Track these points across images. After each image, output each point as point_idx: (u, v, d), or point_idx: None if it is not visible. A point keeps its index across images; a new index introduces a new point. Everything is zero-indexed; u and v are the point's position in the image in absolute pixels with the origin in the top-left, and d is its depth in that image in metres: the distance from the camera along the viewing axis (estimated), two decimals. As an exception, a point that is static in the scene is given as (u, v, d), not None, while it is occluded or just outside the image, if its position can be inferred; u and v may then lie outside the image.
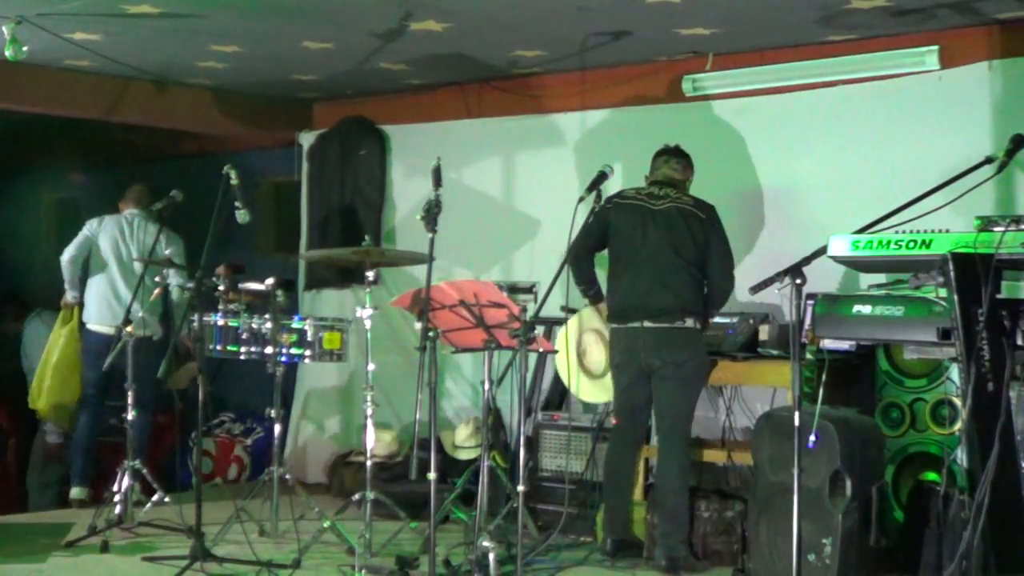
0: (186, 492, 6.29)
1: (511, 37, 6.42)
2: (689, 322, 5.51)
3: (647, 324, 5.53)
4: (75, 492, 7.12)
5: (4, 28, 5.92)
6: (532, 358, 6.66)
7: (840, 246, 5.03)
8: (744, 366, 5.91)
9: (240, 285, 6.18)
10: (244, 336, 6.14)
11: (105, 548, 5.78)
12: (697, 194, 6.43)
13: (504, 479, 5.83)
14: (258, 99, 8.28)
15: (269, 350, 6.02)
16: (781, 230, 6.29)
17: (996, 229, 4.54)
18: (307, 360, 6.28)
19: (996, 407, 4.38)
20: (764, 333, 5.82)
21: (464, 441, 6.97)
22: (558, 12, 5.83)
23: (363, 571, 5.19)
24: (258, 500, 6.20)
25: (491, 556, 4.91)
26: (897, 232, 4.88)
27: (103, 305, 7.09)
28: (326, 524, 5.69)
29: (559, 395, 6.75)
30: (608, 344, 5.76)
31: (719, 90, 6.67)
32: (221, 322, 6.18)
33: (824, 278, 5.57)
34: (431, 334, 4.85)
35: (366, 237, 6.12)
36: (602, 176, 5.69)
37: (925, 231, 4.80)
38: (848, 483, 4.71)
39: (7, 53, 6.00)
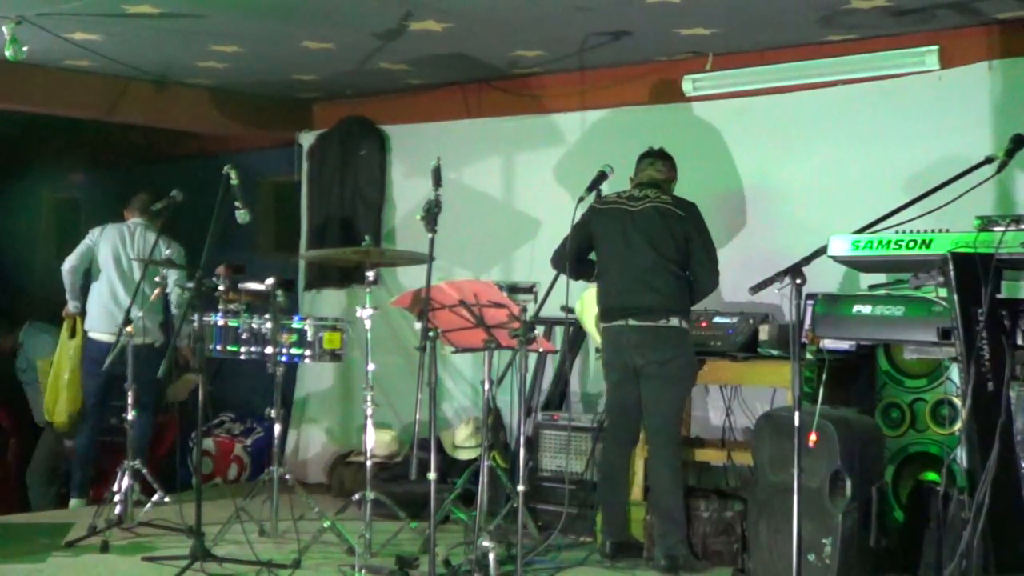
0: (186, 492, 6.29)
1: (511, 37, 6.42)
2: (674, 321, 5.51)
3: (631, 323, 5.55)
4: (74, 504, 7.14)
5: (4, 28, 5.92)
6: (532, 358, 6.66)
7: (840, 246, 5.03)
8: (744, 366, 5.91)
9: (240, 285, 6.19)
10: (244, 336, 6.14)
11: (105, 548, 5.78)
12: (697, 194, 6.42)
13: (504, 479, 5.83)
14: (258, 99, 8.28)
15: (269, 350, 6.02)
16: (781, 230, 6.29)
17: (996, 229, 4.54)
18: (307, 360, 6.28)
19: (996, 407, 4.38)
20: (764, 333, 5.82)
21: (464, 441, 6.97)
22: (558, 12, 5.83)
23: (363, 571, 5.19)
24: (258, 500, 6.20)
25: (491, 556, 4.91)
26: (897, 232, 4.88)
27: (104, 312, 7.09)
28: (326, 524, 5.69)
29: (559, 395, 6.76)
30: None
31: (719, 90, 6.67)
32: (221, 322, 6.18)
33: (824, 278, 5.58)
34: (431, 334, 4.85)
35: (366, 237, 6.12)
36: (602, 176, 5.69)
37: (925, 231, 4.80)
38: (848, 483, 4.71)
39: (7, 53, 6.00)
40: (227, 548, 5.59)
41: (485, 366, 5.29)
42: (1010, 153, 4.73)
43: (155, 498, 6.31)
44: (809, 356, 5.32)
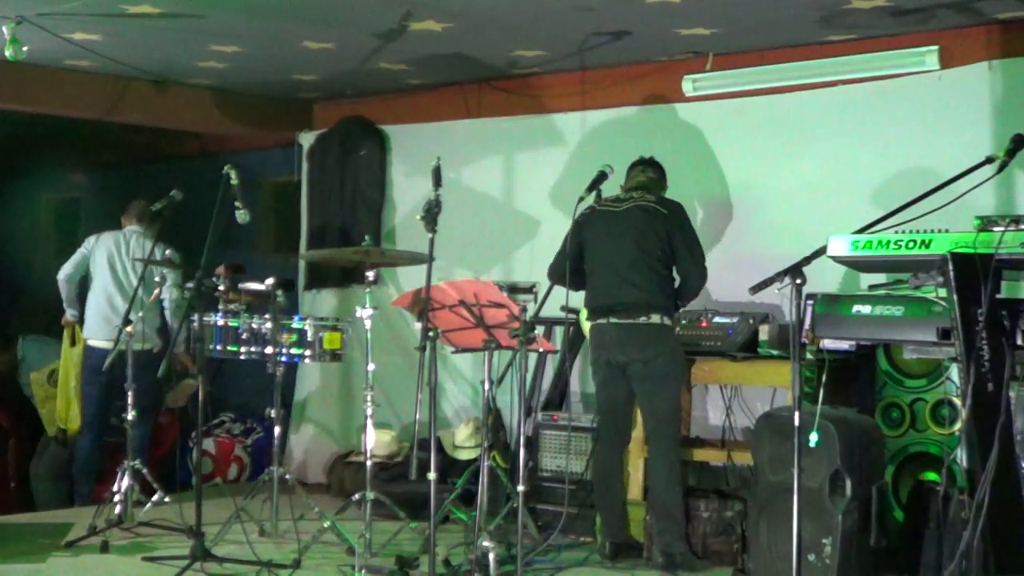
0: (186, 492, 6.29)
1: (511, 37, 6.42)
2: (655, 318, 5.51)
3: (612, 320, 5.57)
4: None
5: (4, 28, 5.92)
6: (532, 358, 6.66)
7: (840, 246, 5.03)
8: (744, 366, 5.91)
9: (240, 285, 6.18)
10: (244, 336, 6.14)
11: (105, 548, 5.78)
12: (697, 194, 6.46)
13: (504, 479, 5.84)
14: (258, 99, 8.28)
15: (269, 350, 6.02)
16: (780, 230, 6.29)
17: (996, 229, 4.54)
18: (307, 360, 6.28)
19: (996, 407, 4.38)
20: (764, 333, 5.82)
21: (464, 441, 6.97)
22: (558, 12, 5.83)
23: (363, 571, 5.19)
24: (258, 500, 6.20)
25: (491, 556, 4.91)
26: (897, 232, 4.88)
27: (101, 320, 7.08)
28: (326, 524, 5.69)
29: (559, 395, 6.76)
30: None
31: (719, 90, 6.67)
32: (221, 322, 6.18)
33: (824, 278, 5.58)
34: (431, 334, 4.85)
35: (366, 237, 6.12)
36: (602, 176, 5.69)
37: (925, 231, 4.80)
38: (848, 483, 4.71)
39: (7, 53, 6.00)
40: (227, 548, 5.59)
41: (485, 366, 5.29)
42: (1010, 153, 4.73)
43: (155, 498, 6.31)
44: (809, 356, 5.32)
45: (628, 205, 5.67)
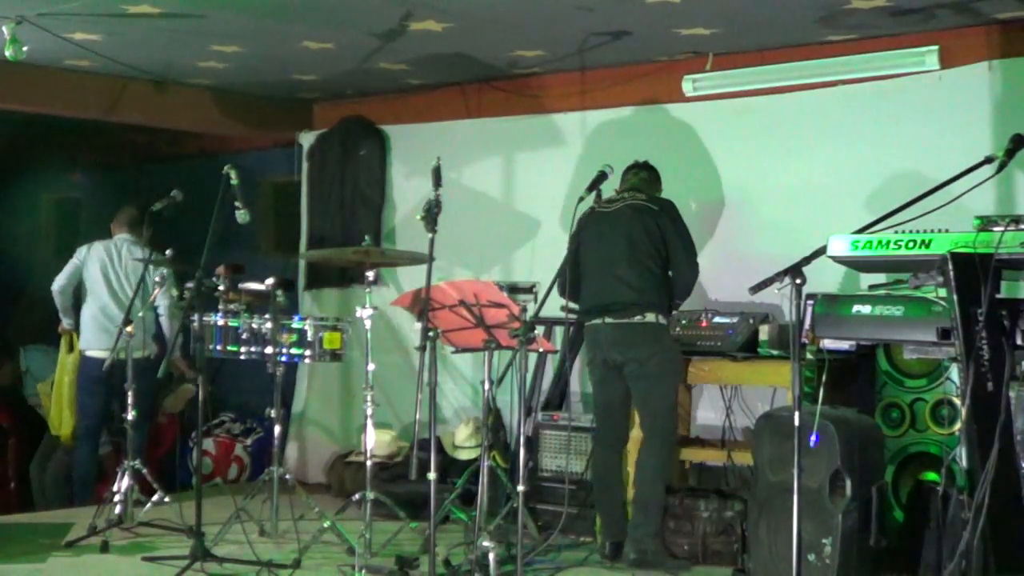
0: (186, 492, 6.29)
1: (511, 37, 6.42)
2: (650, 317, 5.50)
3: (607, 320, 5.57)
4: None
5: (4, 28, 5.92)
6: (532, 358, 6.66)
7: (839, 246, 5.03)
8: (744, 366, 5.91)
9: (240, 285, 6.18)
10: (244, 336, 6.13)
11: (105, 548, 5.78)
12: (697, 194, 6.46)
13: (504, 479, 5.84)
14: (258, 99, 8.28)
15: (269, 350, 6.01)
16: (780, 230, 6.29)
17: (996, 229, 4.54)
18: (307, 360, 6.27)
19: (996, 407, 4.39)
20: (764, 333, 5.82)
21: (464, 441, 6.97)
22: (558, 12, 5.83)
23: (363, 571, 5.18)
24: (258, 500, 6.20)
25: (491, 556, 4.91)
26: (897, 232, 4.88)
27: (98, 330, 7.07)
28: (326, 524, 5.69)
29: (559, 395, 6.76)
30: None
31: (719, 90, 6.67)
32: (221, 322, 6.18)
33: (824, 278, 5.57)
34: (431, 334, 4.85)
35: (366, 237, 6.12)
36: (602, 176, 5.68)
37: (925, 231, 4.80)
38: (848, 483, 4.71)
39: (7, 53, 6.00)
40: (227, 548, 5.59)
41: (485, 366, 5.29)
42: (1010, 153, 4.73)
43: (155, 498, 6.31)
44: (809, 356, 5.32)
45: (619, 205, 5.68)
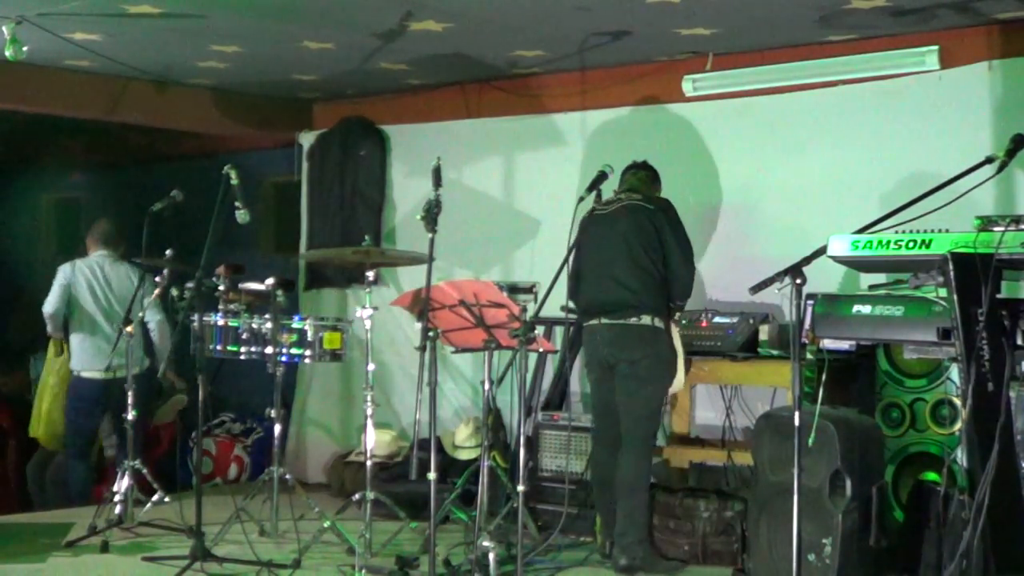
0: (186, 492, 6.29)
1: (511, 37, 6.42)
2: (645, 319, 5.48)
3: (604, 321, 5.56)
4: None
5: (4, 28, 5.92)
6: (532, 358, 6.66)
7: (840, 246, 5.03)
8: (744, 366, 5.91)
9: (240, 285, 6.18)
10: (244, 336, 6.13)
11: (105, 548, 5.78)
12: (697, 194, 6.45)
13: (504, 479, 5.84)
14: (258, 99, 8.28)
15: (269, 350, 6.01)
16: (780, 230, 6.29)
17: (996, 229, 4.54)
18: (307, 360, 6.27)
19: (996, 407, 4.38)
20: (764, 333, 5.82)
21: (464, 441, 6.97)
22: (558, 12, 5.83)
23: (363, 571, 5.19)
24: (258, 500, 6.20)
25: (491, 556, 4.91)
26: (897, 232, 4.88)
27: (94, 351, 7.04)
28: (326, 524, 5.69)
29: (559, 395, 6.76)
30: None
31: (719, 90, 6.67)
32: (221, 322, 6.18)
33: (824, 278, 5.57)
34: (431, 334, 4.85)
35: (366, 237, 6.12)
36: (602, 176, 5.68)
37: (925, 231, 4.80)
38: (848, 483, 4.71)
39: (7, 53, 6.00)
40: (227, 548, 5.59)
41: (485, 366, 5.29)
42: (1010, 153, 4.73)
43: (155, 498, 6.31)
44: (809, 356, 5.32)
45: (616, 206, 5.66)
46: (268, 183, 9.18)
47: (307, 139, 8.43)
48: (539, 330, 6.03)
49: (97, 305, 7.10)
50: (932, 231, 4.78)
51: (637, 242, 5.55)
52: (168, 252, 6.49)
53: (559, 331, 6.78)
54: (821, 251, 4.61)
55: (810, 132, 6.37)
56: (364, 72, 7.32)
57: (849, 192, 6.12)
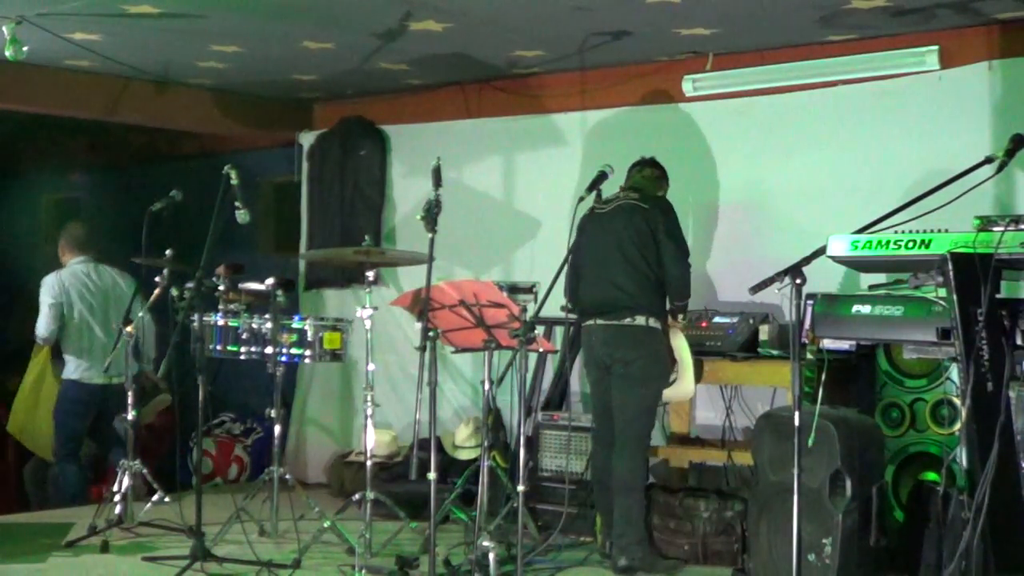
0: (186, 492, 6.29)
1: (511, 37, 6.42)
2: (640, 320, 5.48)
3: (599, 321, 5.57)
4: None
5: (4, 28, 5.92)
6: (532, 358, 6.66)
7: (839, 246, 5.03)
8: (744, 366, 5.91)
9: (240, 285, 6.19)
10: (244, 336, 6.14)
11: (105, 548, 5.78)
12: (697, 194, 6.45)
13: (504, 479, 5.83)
14: (258, 99, 8.28)
15: (269, 350, 6.02)
16: (780, 230, 6.29)
17: (995, 229, 4.54)
18: (307, 360, 6.28)
19: (996, 407, 4.38)
20: (764, 333, 5.82)
21: (464, 441, 6.97)
22: (558, 12, 5.83)
23: (363, 571, 5.19)
24: (258, 500, 6.20)
25: (491, 556, 4.91)
26: (896, 232, 4.88)
27: (88, 357, 7.08)
28: (326, 524, 5.69)
29: (559, 395, 6.76)
30: None
31: (719, 90, 6.67)
32: (221, 322, 6.18)
33: (824, 278, 5.57)
34: (431, 334, 4.85)
35: (366, 237, 6.12)
36: (602, 176, 5.67)
37: (925, 231, 4.80)
38: (848, 483, 4.71)
39: (7, 53, 6.00)
40: (227, 548, 5.59)
41: (485, 366, 5.29)
42: (1010, 153, 4.73)
43: (155, 498, 6.30)
44: (809, 356, 5.32)
45: (613, 205, 5.66)
46: (268, 183, 9.17)
47: (307, 139, 8.43)
48: (539, 330, 6.03)
49: (91, 313, 7.11)
50: (932, 231, 4.78)
51: (631, 243, 5.55)
52: (168, 252, 6.49)
53: (559, 331, 6.78)
54: (821, 251, 4.61)
55: (810, 132, 6.37)
56: (364, 72, 7.32)
57: (849, 192, 6.12)
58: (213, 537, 5.60)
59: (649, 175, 5.84)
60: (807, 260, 4.20)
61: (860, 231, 5.00)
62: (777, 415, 5.13)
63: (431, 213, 4.82)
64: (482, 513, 5.18)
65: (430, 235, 4.81)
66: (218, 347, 6.20)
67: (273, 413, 6.07)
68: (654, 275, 5.54)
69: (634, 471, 5.51)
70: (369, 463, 5.71)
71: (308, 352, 6.07)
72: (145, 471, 6.31)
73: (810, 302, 5.23)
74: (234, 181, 5.63)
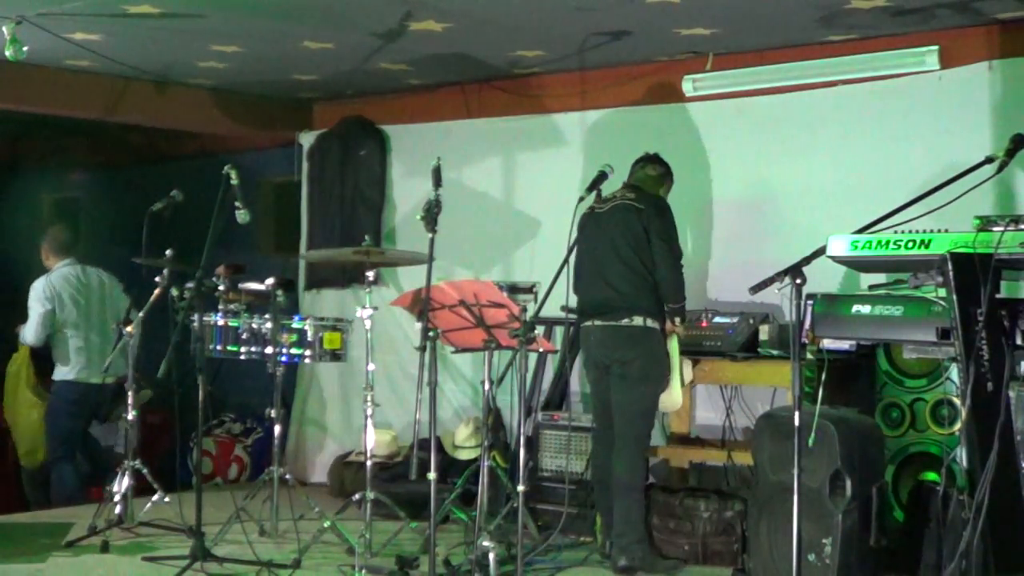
0: (186, 492, 6.29)
1: (511, 37, 6.42)
2: (637, 320, 5.49)
3: (597, 322, 5.58)
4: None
5: (4, 28, 5.92)
6: (532, 358, 6.66)
7: (839, 246, 5.03)
8: (744, 366, 5.91)
9: (240, 285, 6.19)
10: (244, 336, 6.14)
11: (105, 548, 5.78)
12: (696, 194, 6.44)
13: (504, 479, 5.84)
14: (258, 99, 8.28)
15: (269, 350, 6.02)
16: (780, 230, 6.29)
17: (995, 229, 4.54)
18: (307, 360, 6.28)
19: (996, 407, 4.38)
20: (764, 333, 5.82)
21: (464, 441, 6.97)
22: (558, 12, 5.83)
23: (363, 571, 5.19)
24: (258, 500, 6.20)
25: (491, 556, 4.91)
26: (896, 232, 4.88)
27: (83, 360, 7.11)
28: (326, 524, 5.69)
29: (559, 395, 6.76)
30: None
31: (719, 90, 6.67)
32: (221, 322, 6.18)
33: (824, 278, 5.57)
34: (431, 334, 4.85)
35: (366, 237, 6.12)
36: (602, 176, 5.67)
37: (925, 231, 4.80)
38: (848, 483, 4.71)
39: (7, 53, 6.01)
40: (227, 548, 5.59)
41: (485, 366, 5.29)
42: (1010, 153, 4.73)
43: (155, 498, 6.30)
44: (809, 356, 5.32)
45: (611, 206, 5.65)
46: (268, 183, 9.17)
47: (307, 139, 8.43)
48: (539, 330, 6.03)
49: (82, 315, 7.14)
50: (932, 231, 4.78)
51: (625, 243, 5.55)
52: (168, 252, 6.49)
53: (559, 331, 6.78)
54: (821, 251, 4.62)
55: (810, 132, 6.37)
56: (364, 72, 7.32)
57: (849, 192, 6.12)
58: (213, 537, 5.60)
59: (651, 173, 5.83)
60: (807, 260, 4.20)
61: (860, 231, 5.00)
62: (777, 415, 5.13)
63: (431, 213, 4.82)
64: (482, 513, 5.18)
65: (430, 235, 4.81)
66: (218, 347, 6.20)
67: (273, 413, 6.07)
68: (649, 276, 5.55)
69: (633, 471, 5.51)
70: (369, 463, 5.71)
71: (308, 352, 6.07)
72: (146, 471, 6.31)
73: (810, 302, 5.23)
74: (234, 181, 5.63)
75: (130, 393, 6.27)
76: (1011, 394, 4.51)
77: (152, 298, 6.67)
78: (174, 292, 6.55)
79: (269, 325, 6.01)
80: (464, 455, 6.87)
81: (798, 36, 6.21)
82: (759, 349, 5.83)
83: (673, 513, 5.72)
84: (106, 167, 10.49)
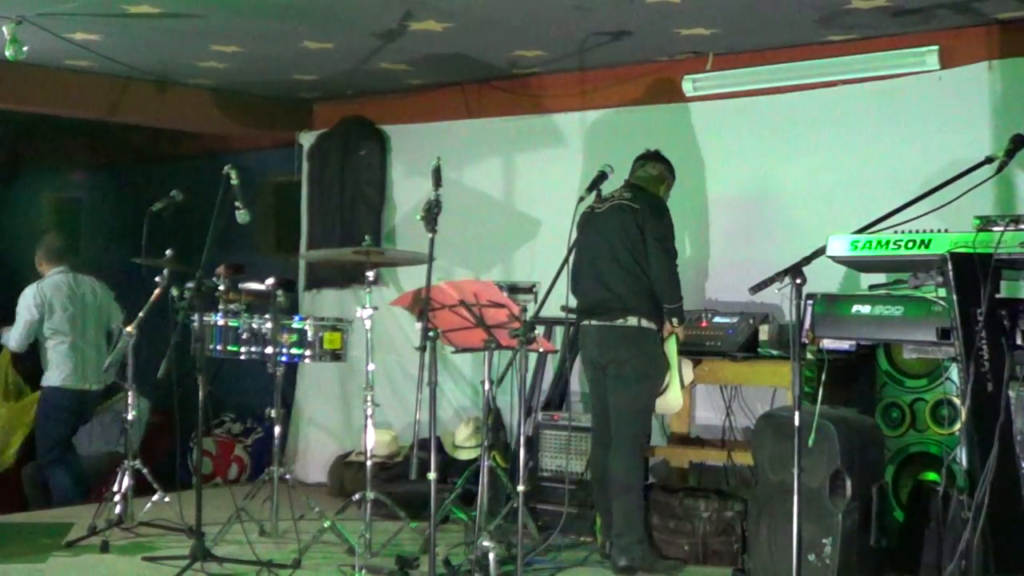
0: (186, 492, 6.29)
1: (511, 37, 6.42)
2: (632, 320, 5.49)
3: (593, 322, 5.59)
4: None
5: (4, 28, 5.92)
6: (532, 358, 6.66)
7: (839, 246, 5.03)
8: (744, 366, 5.91)
9: (240, 285, 6.19)
10: (244, 336, 6.13)
11: (105, 548, 5.78)
12: (696, 194, 6.44)
13: (504, 479, 5.84)
14: (258, 99, 8.28)
15: (269, 350, 6.02)
16: (781, 230, 6.29)
17: (995, 229, 4.54)
18: (307, 360, 6.28)
19: (996, 407, 4.38)
20: (764, 333, 5.82)
21: (464, 441, 6.97)
22: (558, 12, 5.83)
23: (363, 571, 5.19)
24: (258, 500, 6.20)
25: (491, 556, 4.91)
26: (896, 232, 4.88)
27: (72, 367, 7.14)
28: (326, 524, 5.69)
29: (559, 395, 6.76)
30: None
31: (719, 90, 6.67)
32: (221, 322, 6.18)
33: (824, 278, 5.57)
34: (431, 334, 4.85)
35: (366, 237, 6.12)
36: (602, 176, 5.66)
37: (925, 231, 4.80)
38: (848, 483, 4.71)
39: (7, 53, 6.01)
40: (227, 548, 5.59)
41: (485, 366, 5.29)
42: (1010, 153, 4.73)
43: (155, 498, 6.30)
44: (809, 356, 5.32)
45: (608, 206, 5.64)
46: (268, 183, 9.17)
47: (307, 139, 8.43)
48: (539, 330, 6.03)
49: (73, 322, 7.15)
50: (932, 231, 4.78)
51: (621, 244, 5.55)
52: (168, 252, 6.49)
53: (559, 331, 6.78)
54: (820, 251, 4.61)
55: (810, 132, 6.37)
56: (364, 72, 7.32)
57: (849, 192, 6.12)
58: (213, 537, 5.60)
59: (651, 171, 5.82)
60: (807, 260, 4.20)
61: (860, 231, 4.99)
62: (777, 415, 5.13)
63: (431, 213, 4.82)
64: (482, 513, 5.18)
65: (430, 235, 4.81)
66: (218, 347, 6.20)
67: (273, 413, 6.07)
68: (645, 276, 5.54)
69: (630, 471, 5.52)
70: (369, 463, 5.71)
71: (308, 352, 6.07)
72: (145, 471, 6.31)
73: (810, 302, 5.23)
74: (234, 181, 5.63)
75: (130, 393, 6.27)
76: (1011, 394, 4.52)
77: (152, 298, 6.68)
78: (174, 292, 6.54)
79: (269, 325, 6.01)
80: (464, 455, 6.87)
81: (798, 36, 6.21)
82: (759, 349, 5.83)
83: (673, 513, 5.72)
84: (106, 167, 10.49)
